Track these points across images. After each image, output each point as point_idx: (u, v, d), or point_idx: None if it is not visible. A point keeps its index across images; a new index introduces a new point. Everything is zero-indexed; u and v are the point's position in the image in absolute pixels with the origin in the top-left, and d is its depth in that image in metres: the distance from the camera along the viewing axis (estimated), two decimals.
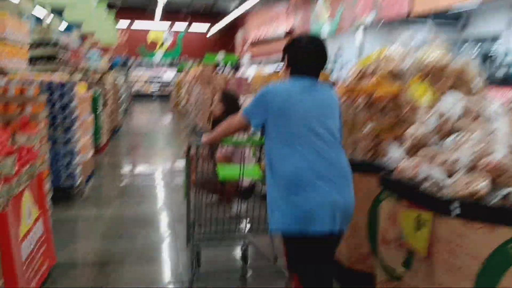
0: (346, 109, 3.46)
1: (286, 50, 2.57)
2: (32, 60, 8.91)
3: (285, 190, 2.34)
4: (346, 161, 2.49)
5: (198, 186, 3.30)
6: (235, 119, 2.61)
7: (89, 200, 5.90)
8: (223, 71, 13.27)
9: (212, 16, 27.39)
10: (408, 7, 10.98)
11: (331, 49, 16.39)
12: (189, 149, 3.07)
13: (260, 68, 19.89)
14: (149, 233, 4.73)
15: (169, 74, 27.72)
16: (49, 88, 5.55)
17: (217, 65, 13.29)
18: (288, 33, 19.08)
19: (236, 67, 13.50)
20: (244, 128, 2.62)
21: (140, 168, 8.35)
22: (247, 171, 3.18)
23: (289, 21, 19.37)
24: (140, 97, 27.27)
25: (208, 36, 29.30)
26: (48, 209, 3.92)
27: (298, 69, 2.49)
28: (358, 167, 3.21)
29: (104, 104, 9.79)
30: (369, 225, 3.19)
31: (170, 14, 27.00)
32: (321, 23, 16.21)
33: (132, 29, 28.93)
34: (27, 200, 3.26)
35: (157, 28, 28.92)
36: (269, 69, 19.05)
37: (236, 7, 21.14)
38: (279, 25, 20.51)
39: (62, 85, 5.60)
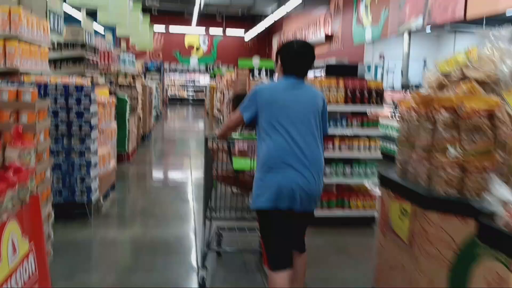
0: (420, 126, 2.63)
1: (279, 52, 2.90)
2: (58, 62, 8.42)
3: (260, 171, 2.74)
4: (319, 152, 2.77)
5: (217, 177, 3.67)
6: (234, 115, 2.93)
7: (106, 219, 5.24)
8: (259, 76, 12.55)
9: (249, 20, 26.78)
10: (462, 11, 9.98)
11: (375, 54, 15.46)
12: (206, 141, 3.53)
13: None
14: (169, 264, 4.00)
15: (204, 79, 27.28)
16: (65, 92, 4.92)
17: (252, 70, 12.58)
18: (329, 37, 18.21)
19: (273, 72, 12.74)
20: (242, 122, 2.86)
21: (168, 181, 7.69)
22: None
23: (329, 25, 18.49)
24: (174, 101, 26.90)
25: (245, 40, 28.69)
26: (47, 238, 3.24)
27: (288, 69, 2.83)
28: (436, 204, 2.39)
29: (133, 109, 9.20)
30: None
31: (206, 19, 26.54)
32: (364, 27, 15.28)
33: (168, 33, 28.63)
34: (12, 233, 2.57)
35: (193, 32, 28.52)
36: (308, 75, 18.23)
37: (274, 11, 20.40)
38: (318, 29, 19.65)
39: (79, 88, 4.96)
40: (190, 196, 6.45)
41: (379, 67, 15.58)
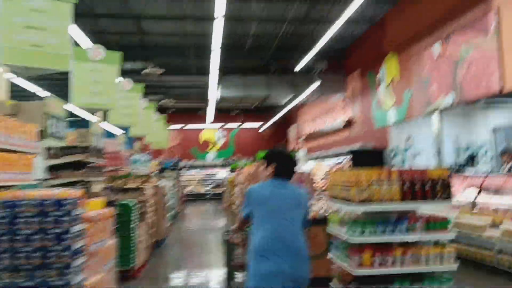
0: None
1: (269, 158, 3.53)
2: (54, 170, 7.42)
3: (251, 258, 3.26)
4: (302, 242, 3.31)
5: (234, 267, 4.41)
6: (240, 216, 3.56)
7: None
8: None
9: (264, 112, 26.39)
10: (497, 84, 8.96)
11: (400, 137, 14.39)
12: (224, 238, 4.41)
13: (318, 162, 17.99)
14: None
15: (222, 173, 26.38)
16: (41, 208, 3.78)
17: None
18: (348, 123, 17.32)
19: None
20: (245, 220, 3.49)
21: None
22: None
23: (347, 112, 17.69)
24: (193, 197, 25.79)
25: (260, 131, 28.13)
26: None
27: (277, 172, 3.46)
28: None
29: (142, 215, 8.02)
30: None
31: (222, 113, 26.21)
32: (385, 110, 14.36)
33: (184, 129, 28.29)
34: None
35: (209, 127, 28.14)
36: (327, 163, 17.11)
37: (289, 102, 19.83)
38: (336, 116, 18.87)
39: (59, 203, 3.82)
40: None
41: (408, 150, 14.43)
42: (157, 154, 25.13)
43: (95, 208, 4.67)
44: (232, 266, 4.31)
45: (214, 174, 27.37)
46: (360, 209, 3.89)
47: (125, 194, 7.58)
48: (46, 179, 6.90)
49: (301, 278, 3.17)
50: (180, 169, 22.69)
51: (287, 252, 3.14)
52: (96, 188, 5.81)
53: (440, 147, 11.96)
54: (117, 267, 7.06)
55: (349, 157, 14.97)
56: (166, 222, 11.99)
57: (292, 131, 26.85)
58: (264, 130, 27.62)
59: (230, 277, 4.26)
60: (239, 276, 4.46)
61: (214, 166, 27.82)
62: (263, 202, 3.30)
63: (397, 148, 14.40)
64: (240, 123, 24.52)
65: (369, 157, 14.01)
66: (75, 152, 7.67)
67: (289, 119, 26.60)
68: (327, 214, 6.51)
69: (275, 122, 26.04)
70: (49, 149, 7.40)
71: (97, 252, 4.42)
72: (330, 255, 4.51)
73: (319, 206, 6.72)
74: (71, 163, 7.65)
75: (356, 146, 14.88)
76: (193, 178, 27.22)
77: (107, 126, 16.20)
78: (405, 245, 3.98)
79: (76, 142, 9.05)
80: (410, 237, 3.94)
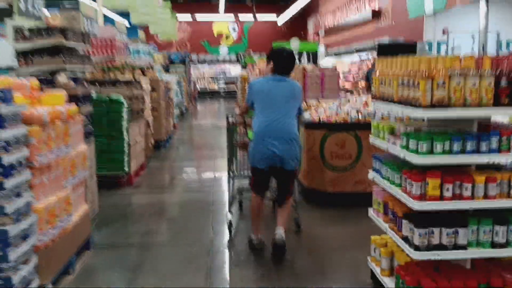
0: None
1: (270, 56, 4.05)
2: (29, 55, 6.08)
3: (253, 141, 3.90)
4: (295, 130, 3.92)
5: (238, 146, 4.63)
6: (244, 104, 4.28)
7: None
8: (299, 62, 9.96)
9: (281, 2, 24.02)
10: None
11: (436, 29, 12.55)
12: (228, 119, 4.62)
13: (338, 59, 16.27)
14: None
15: (235, 70, 24.78)
16: None
17: None
18: (376, 13, 15.32)
19: (316, 56, 10.10)
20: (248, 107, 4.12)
21: (188, 214, 5.25)
22: None
23: (373, 1, 15.58)
24: (204, 95, 24.55)
25: (277, 25, 25.94)
26: None
27: (276, 69, 3.95)
28: None
29: (136, 113, 6.78)
30: None
31: (235, 3, 23.91)
32: None
33: (195, 22, 26.20)
34: None
35: (221, 19, 25.99)
36: (349, 60, 15.43)
37: None
38: (362, 5, 16.74)
39: None
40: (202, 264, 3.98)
41: (443, 44, 12.65)
42: (166, 47, 23.44)
43: (53, 104, 3.39)
44: (234, 145, 4.64)
45: (227, 71, 25.79)
46: (432, 115, 2.55)
47: (115, 88, 6.28)
48: (12, 68, 5.60)
49: (291, 154, 3.85)
50: (189, 63, 21.13)
51: (280, 136, 3.77)
52: (62, 78, 4.49)
53: (484, 41, 10.23)
54: (108, 173, 6.03)
55: (374, 52, 13.28)
56: (171, 121, 10.83)
57: (310, 25, 24.66)
58: (283, 24, 25.39)
59: (230, 161, 4.72)
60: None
61: (227, 61, 26.11)
62: (262, 95, 3.87)
63: (433, 42, 12.64)
64: (255, 14, 22.26)
65: (399, 51, 12.27)
66: (52, 34, 6.25)
67: (308, 10, 24.24)
68: (359, 118, 5.20)
69: (293, 16, 23.80)
70: (17, 29, 5.99)
71: (52, 165, 3.21)
72: (371, 175, 3.26)
73: (347, 108, 5.39)
74: (49, 49, 6.27)
75: (384, 40, 13.10)
76: (204, 74, 25.71)
77: (107, 12, 14.50)
78: (489, 169, 2.70)
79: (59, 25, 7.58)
80: (502, 158, 2.64)
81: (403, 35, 13.30)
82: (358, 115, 5.22)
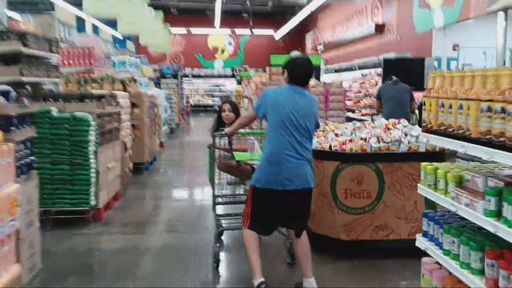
0: None
1: (285, 66, 3.54)
2: None
3: (265, 161, 3.38)
4: (309, 148, 3.41)
5: (220, 169, 4.20)
6: (249, 114, 3.80)
7: None
8: None
9: (279, 17, 23.15)
10: None
11: (446, 44, 11.61)
12: (213, 139, 4.02)
13: (338, 76, 15.26)
14: None
15: (230, 85, 23.78)
16: None
17: None
18: (380, 28, 14.39)
19: (318, 71, 9.06)
20: (254, 119, 3.67)
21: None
22: (256, 155, 4.05)
23: (379, 13, 14.67)
24: (198, 109, 23.48)
25: (274, 39, 25.02)
26: None
27: (292, 80, 3.45)
28: None
29: (110, 134, 5.69)
30: None
31: (231, 17, 22.99)
32: (431, 10, 11.38)
33: (190, 35, 25.25)
34: None
35: (217, 32, 25.05)
36: (349, 76, 14.41)
37: (306, 4, 16.67)
38: (364, 19, 15.84)
39: None
40: None
41: (453, 60, 11.70)
42: (159, 60, 22.46)
43: None
44: (219, 167, 4.21)
45: (222, 86, 24.78)
46: None
47: (83, 104, 5.17)
48: None
49: (301, 174, 3.34)
50: (183, 77, 20.10)
51: (297, 156, 3.32)
52: None
53: (503, 56, 9.27)
54: (70, 208, 4.92)
55: (377, 69, 12.33)
56: (157, 140, 9.73)
57: (309, 40, 23.77)
58: (278, 40, 24.47)
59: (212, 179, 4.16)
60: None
61: (222, 76, 25.12)
62: (278, 107, 3.35)
63: (440, 59, 11.69)
64: (252, 28, 21.34)
65: (406, 69, 11.26)
66: (9, 39, 5.19)
67: (307, 25, 23.40)
68: (380, 147, 4.12)
69: (289, 32, 22.92)
70: None
71: None
72: (422, 244, 2.18)
73: (365, 134, 4.32)
74: (5, 56, 5.20)
75: (389, 55, 12.12)
76: (198, 88, 24.69)
77: (94, 21, 13.44)
78: None
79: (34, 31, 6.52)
80: None
81: (410, 51, 12.35)
82: (379, 143, 4.15)
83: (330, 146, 4.18)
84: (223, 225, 4.45)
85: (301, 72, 3.44)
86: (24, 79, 4.98)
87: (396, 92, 7.42)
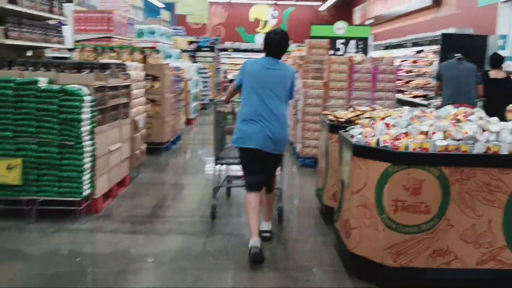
0: None
1: (264, 38, 3.82)
2: None
3: (239, 121, 3.70)
4: (285, 112, 3.74)
5: (226, 131, 4.62)
6: (231, 86, 4.03)
7: None
8: (344, 51, 7.78)
9: None
10: None
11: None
12: (215, 106, 4.52)
13: (388, 53, 13.84)
14: None
15: None
16: None
17: (334, 42, 7.79)
18: (436, 1, 12.84)
19: (366, 44, 7.86)
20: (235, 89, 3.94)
21: None
22: None
23: None
24: None
25: (320, 12, 23.53)
26: None
27: (267, 52, 3.78)
28: None
29: (115, 111, 4.83)
30: None
31: None
32: None
33: (231, 5, 24.14)
34: None
35: (260, 2, 23.80)
36: (402, 53, 12.99)
37: None
38: None
39: None
40: None
41: None
42: (199, 33, 21.53)
43: None
44: (224, 131, 4.60)
45: None
46: None
47: (78, 76, 4.29)
48: None
49: (282, 138, 3.70)
50: (221, 50, 19.13)
51: (269, 118, 3.62)
52: None
53: None
54: (57, 197, 4.12)
55: (433, 46, 10.92)
56: (182, 117, 8.87)
57: (357, 14, 22.16)
58: (325, 10, 22.98)
59: (218, 149, 4.53)
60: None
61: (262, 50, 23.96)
62: (253, 76, 3.71)
63: (506, 36, 10.14)
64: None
65: (466, 46, 9.79)
66: None
67: (355, 0, 21.80)
68: (447, 146, 3.03)
69: (338, 4, 21.38)
70: None
71: None
72: None
73: (426, 127, 3.23)
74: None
75: (449, 30, 10.66)
76: (238, 64, 23.67)
77: None
78: None
79: None
80: None
81: (470, 27, 10.85)
82: (445, 140, 3.05)
83: (378, 141, 3.13)
84: (223, 183, 4.95)
85: (274, 44, 3.76)
86: (10, 42, 4.14)
87: (460, 72, 6.20)
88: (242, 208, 4.53)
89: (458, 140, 3.06)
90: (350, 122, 4.17)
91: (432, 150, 3.02)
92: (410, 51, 12.63)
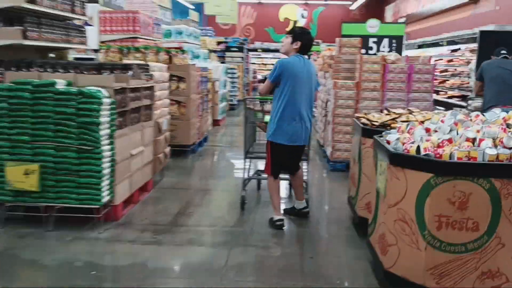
0: None
1: (298, 35, 4.07)
2: None
3: (288, 121, 4.02)
4: (312, 105, 4.33)
5: (260, 127, 4.76)
6: (267, 82, 4.11)
7: None
8: (377, 50, 7.39)
9: None
10: None
11: None
12: (245, 102, 4.80)
13: (422, 52, 13.27)
14: None
15: None
16: None
17: (366, 40, 7.42)
18: None
19: (399, 44, 7.45)
20: (272, 85, 4.09)
21: None
22: None
23: None
24: None
25: (350, 11, 23.01)
26: None
27: (304, 51, 4.09)
28: None
29: (138, 114, 4.63)
30: None
31: None
32: None
33: (260, 5, 23.88)
34: None
35: (290, 2, 23.46)
36: (436, 52, 12.43)
37: None
38: None
39: None
40: None
41: None
42: (229, 33, 21.39)
43: None
44: (258, 126, 4.78)
45: None
46: None
47: (98, 77, 4.11)
48: None
49: (309, 135, 4.29)
50: (250, 50, 18.89)
51: (306, 116, 4.08)
52: None
53: None
54: (75, 205, 3.93)
55: (470, 45, 10.36)
56: (209, 118, 8.65)
57: (389, 12, 21.53)
58: (356, 9, 22.45)
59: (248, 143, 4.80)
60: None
61: None
62: (295, 77, 3.97)
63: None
64: None
65: (507, 43, 9.21)
66: None
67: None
68: (498, 155, 2.66)
69: (369, 2, 20.82)
70: None
71: None
72: None
73: (472, 133, 2.87)
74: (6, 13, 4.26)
75: (487, 27, 10.09)
76: (267, 64, 23.38)
77: None
78: None
79: None
80: None
81: (510, 24, 10.23)
82: (496, 148, 2.69)
83: (418, 149, 2.79)
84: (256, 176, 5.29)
85: (310, 45, 4.15)
86: (28, 42, 3.98)
87: (504, 71, 5.73)
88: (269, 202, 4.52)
89: (510, 148, 2.69)
90: (385, 126, 3.82)
91: (480, 160, 2.66)
92: (445, 49, 12.06)
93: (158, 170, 5.40)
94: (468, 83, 9.54)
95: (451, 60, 11.45)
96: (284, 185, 5.14)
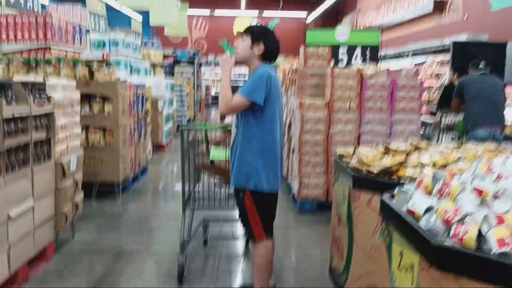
0: None
1: (261, 36, 2.78)
2: None
3: (270, 157, 2.75)
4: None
5: (198, 167, 3.55)
6: (239, 99, 2.67)
7: None
8: (347, 62, 6.19)
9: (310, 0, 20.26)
10: None
11: None
12: (182, 135, 3.36)
13: (384, 65, 12.35)
14: None
15: None
16: None
17: (336, 50, 6.20)
18: (439, 5, 11.42)
19: (377, 54, 6.29)
20: (247, 106, 2.69)
21: None
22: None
23: None
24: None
25: (306, 23, 22.14)
26: None
27: (270, 57, 2.81)
28: None
29: (16, 157, 3.12)
30: None
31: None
32: None
33: (213, 17, 22.65)
34: None
35: (243, 15, 22.37)
36: (399, 65, 11.52)
37: None
38: None
39: None
40: None
41: None
42: (179, 46, 19.95)
43: None
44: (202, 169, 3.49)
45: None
46: None
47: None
48: None
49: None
50: (201, 65, 17.53)
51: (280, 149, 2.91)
52: None
53: None
54: None
55: (437, 56, 9.51)
56: (148, 145, 7.17)
57: (348, 23, 20.79)
58: (312, 22, 21.59)
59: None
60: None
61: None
62: (278, 94, 2.79)
63: None
64: (282, 8, 18.46)
65: (482, 55, 8.29)
66: None
67: (344, 7, 20.46)
68: None
69: (324, 11, 20.00)
70: None
71: None
72: None
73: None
74: None
75: (460, 37, 9.19)
76: (219, 78, 22.11)
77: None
78: None
79: None
80: None
81: (480, 34, 9.41)
82: None
83: (481, 239, 1.49)
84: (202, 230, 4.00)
85: (278, 48, 2.88)
86: None
87: (486, 87, 4.99)
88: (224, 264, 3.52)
89: None
90: (387, 173, 2.54)
91: None
92: (408, 62, 11.17)
93: (65, 227, 3.88)
94: (434, 99, 8.59)
95: (416, 73, 10.54)
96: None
